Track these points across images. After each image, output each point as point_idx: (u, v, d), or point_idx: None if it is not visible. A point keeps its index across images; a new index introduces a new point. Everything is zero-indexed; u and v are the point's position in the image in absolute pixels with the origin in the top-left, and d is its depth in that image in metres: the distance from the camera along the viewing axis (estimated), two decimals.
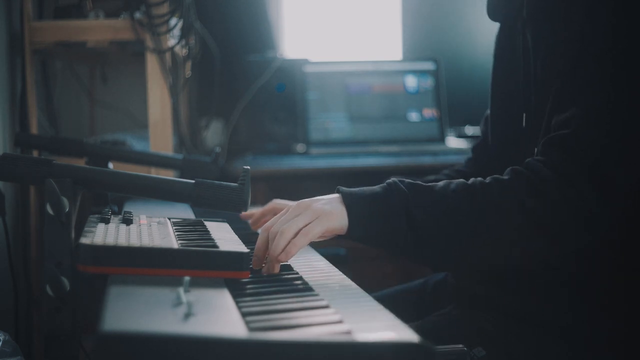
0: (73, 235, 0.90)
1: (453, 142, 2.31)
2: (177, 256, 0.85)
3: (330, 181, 2.08)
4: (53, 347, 0.88)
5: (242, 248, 0.93)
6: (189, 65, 2.05)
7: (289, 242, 0.95)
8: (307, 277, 0.95)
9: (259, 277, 0.94)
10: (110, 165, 1.48)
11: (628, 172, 0.96)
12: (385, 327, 0.72)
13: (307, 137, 2.23)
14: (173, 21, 1.74)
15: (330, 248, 1.32)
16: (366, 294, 0.87)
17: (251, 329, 0.69)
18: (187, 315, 0.67)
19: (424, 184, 1.01)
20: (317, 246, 1.16)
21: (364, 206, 0.97)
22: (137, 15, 1.72)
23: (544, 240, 0.97)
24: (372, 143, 2.22)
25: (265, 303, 0.80)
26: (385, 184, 1.00)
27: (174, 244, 0.91)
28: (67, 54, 2.10)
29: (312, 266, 1.03)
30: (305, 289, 0.88)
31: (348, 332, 0.70)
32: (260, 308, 0.77)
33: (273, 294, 0.85)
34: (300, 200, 1.00)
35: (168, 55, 1.77)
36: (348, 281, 0.95)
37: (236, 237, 1.09)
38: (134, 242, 0.88)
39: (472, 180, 1.01)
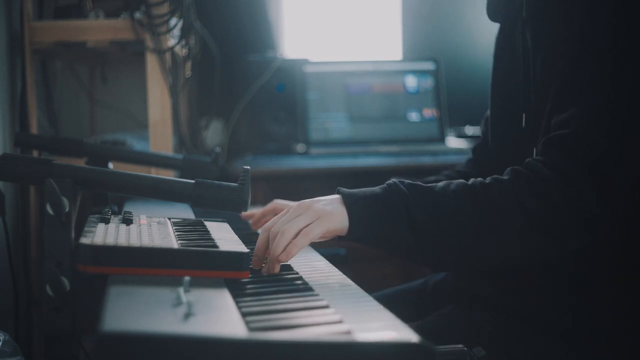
0: (73, 235, 0.90)
1: (453, 142, 2.31)
2: (177, 256, 0.85)
3: (330, 181, 2.08)
4: (53, 347, 0.88)
5: (242, 248, 0.93)
6: (189, 65, 2.05)
7: (290, 242, 0.95)
8: (307, 277, 0.95)
9: (259, 277, 0.94)
10: (110, 165, 1.48)
11: (628, 172, 0.96)
12: (385, 327, 0.72)
13: (307, 137, 2.23)
14: (173, 21, 1.74)
15: (330, 248, 1.32)
16: (366, 294, 0.87)
17: (251, 329, 0.69)
18: (187, 315, 0.67)
19: (424, 184, 1.01)
20: (317, 246, 1.16)
21: (365, 207, 0.97)
22: (137, 15, 1.72)
23: (544, 241, 0.97)
24: (372, 143, 2.22)
25: (265, 303, 0.80)
26: (385, 184, 1.00)
27: (174, 244, 0.91)
28: (67, 54, 2.10)
29: (312, 266, 1.03)
30: (305, 289, 0.88)
31: (348, 332, 0.70)
32: (260, 308, 0.77)
33: (273, 294, 0.85)
34: (301, 201, 1.00)
35: (168, 55, 1.77)
36: (348, 281, 0.95)
37: (236, 237, 1.09)
38: (134, 242, 0.88)
39: (472, 180, 1.01)
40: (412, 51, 2.56)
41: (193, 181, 1.00)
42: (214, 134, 2.41)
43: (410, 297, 1.32)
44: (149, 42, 1.73)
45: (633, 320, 1.02)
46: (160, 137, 1.76)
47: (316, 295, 0.85)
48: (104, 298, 0.72)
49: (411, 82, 2.31)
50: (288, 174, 2.09)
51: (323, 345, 0.63)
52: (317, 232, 0.96)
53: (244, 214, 1.38)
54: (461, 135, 2.40)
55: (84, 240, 0.84)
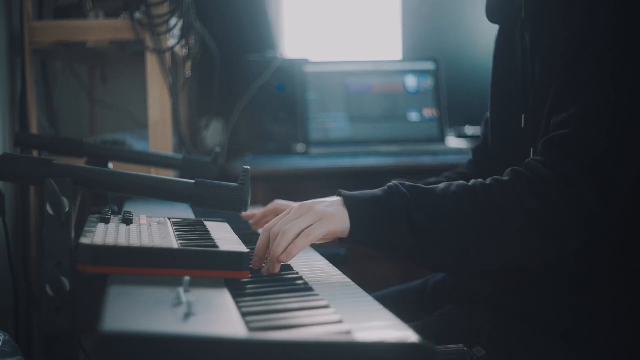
0: (73, 235, 0.90)
1: (453, 142, 2.31)
2: (177, 256, 0.85)
3: (330, 181, 2.08)
4: (53, 347, 0.88)
5: (242, 248, 0.93)
6: (189, 65, 2.05)
7: (291, 242, 0.95)
8: (307, 277, 0.95)
9: (259, 277, 0.94)
10: (110, 165, 1.48)
11: (628, 172, 0.97)
12: (385, 327, 0.72)
13: (307, 137, 2.23)
14: (173, 21, 1.74)
15: (330, 248, 1.32)
16: (366, 294, 0.87)
17: (251, 329, 0.69)
18: (187, 315, 0.67)
19: (425, 186, 1.01)
20: (317, 246, 1.16)
21: (365, 209, 0.97)
22: (137, 15, 1.72)
23: (545, 241, 0.97)
24: (372, 143, 2.22)
25: (265, 303, 0.80)
26: (386, 187, 1.00)
27: (174, 244, 0.91)
28: (67, 54, 2.10)
29: (312, 266, 1.03)
30: (305, 289, 0.88)
31: (348, 332, 0.70)
32: (260, 308, 0.77)
33: (273, 294, 0.85)
34: (303, 203, 1.00)
35: (168, 55, 1.77)
36: (348, 281, 0.95)
37: (236, 237, 1.09)
38: (134, 242, 0.88)
39: (472, 181, 1.01)
40: (412, 51, 2.56)
41: (193, 181, 1.00)
42: (214, 134, 2.41)
43: (410, 297, 1.32)
44: (149, 42, 1.73)
45: (633, 320, 1.02)
46: (160, 137, 1.76)
47: (316, 295, 0.85)
48: (104, 298, 0.72)
49: (411, 82, 2.31)
50: (288, 174, 2.09)
51: (323, 345, 0.63)
52: (318, 233, 0.96)
53: (244, 214, 1.38)
54: (461, 135, 2.40)
55: (84, 240, 0.84)
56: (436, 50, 2.43)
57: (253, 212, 1.38)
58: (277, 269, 0.96)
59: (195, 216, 1.33)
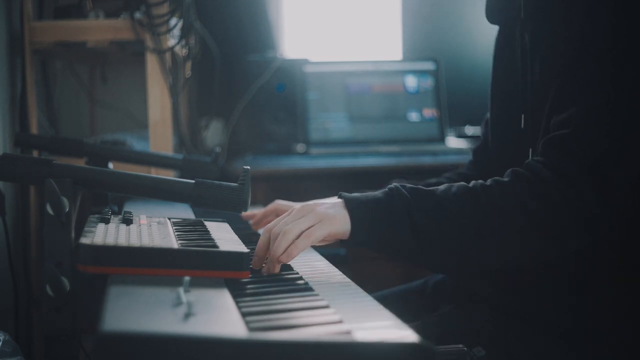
0: (73, 235, 0.90)
1: (453, 142, 2.31)
2: (177, 256, 0.85)
3: (330, 181, 2.08)
4: (53, 347, 0.88)
5: (242, 248, 0.93)
6: (189, 65, 2.05)
7: (291, 243, 0.95)
8: (307, 277, 0.95)
9: (259, 277, 0.94)
10: (110, 165, 1.48)
11: (628, 172, 0.97)
12: (385, 327, 0.72)
13: (307, 137, 2.23)
14: (173, 21, 1.74)
15: (330, 248, 1.32)
16: (366, 294, 0.87)
17: (251, 329, 0.69)
18: (187, 315, 0.67)
19: (426, 188, 1.01)
20: (317, 246, 1.16)
21: (366, 211, 0.97)
22: (137, 15, 1.72)
23: (545, 241, 0.97)
24: (372, 143, 2.22)
25: (265, 303, 0.80)
26: (387, 189, 1.00)
27: (174, 244, 0.91)
28: (67, 54, 2.10)
29: (312, 266, 1.03)
30: (305, 289, 0.88)
31: (348, 332, 0.70)
32: (260, 308, 0.77)
33: (273, 294, 0.85)
34: (304, 204, 1.00)
35: (168, 55, 1.77)
36: (348, 281, 0.95)
37: (236, 237, 1.09)
38: (134, 242, 0.88)
39: (473, 183, 1.01)
40: (412, 51, 2.56)
41: (193, 181, 1.00)
42: (214, 134, 2.41)
43: (410, 297, 1.32)
44: (149, 42, 1.73)
45: (633, 320, 1.02)
46: (160, 137, 1.76)
47: (316, 295, 0.85)
48: (104, 298, 0.72)
49: (411, 82, 2.31)
50: (288, 174, 2.09)
51: (323, 345, 0.63)
52: (319, 234, 0.96)
53: (245, 214, 1.38)
54: (461, 135, 2.40)
55: (84, 240, 0.84)
56: (436, 50, 2.43)
57: (253, 212, 1.39)
58: (277, 269, 0.96)
59: (195, 216, 1.33)
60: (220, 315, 0.70)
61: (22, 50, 1.73)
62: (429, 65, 2.32)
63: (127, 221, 1.02)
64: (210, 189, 0.99)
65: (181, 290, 0.73)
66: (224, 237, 1.04)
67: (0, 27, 1.71)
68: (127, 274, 0.82)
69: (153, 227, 1.02)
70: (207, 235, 1.05)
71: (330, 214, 0.97)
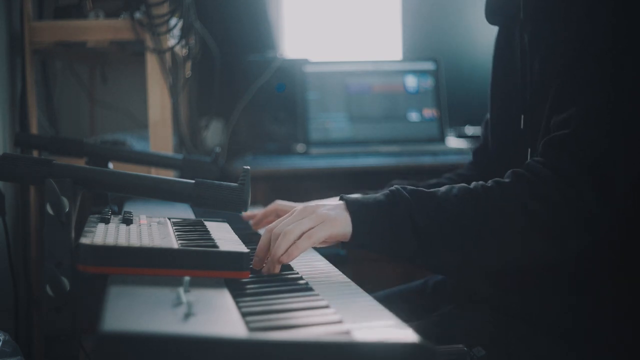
0: (73, 235, 0.90)
1: (453, 142, 2.31)
2: (177, 256, 0.85)
3: (330, 181, 2.08)
4: (53, 347, 0.88)
5: (242, 248, 0.93)
6: (189, 65, 2.05)
7: (292, 243, 0.95)
8: (307, 277, 0.95)
9: (259, 277, 0.94)
10: (110, 165, 1.48)
11: (628, 172, 0.97)
12: (386, 327, 0.72)
13: (307, 137, 2.23)
14: (173, 21, 1.74)
15: (330, 248, 1.32)
16: (366, 294, 0.87)
17: (251, 329, 0.69)
18: (187, 315, 0.67)
19: (427, 190, 1.01)
20: (317, 247, 1.16)
21: (368, 214, 0.97)
22: (137, 15, 1.72)
23: (546, 242, 0.97)
24: (372, 143, 2.22)
25: (265, 303, 0.80)
26: (388, 191, 1.00)
27: (174, 244, 0.91)
28: (67, 54, 2.10)
29: (312, 266, 1.03)
30: (305, 289, 0.88)
31: (348, 332, 0.70)
32: (260, 308, 0.77)
33: (273, 294, 0.85)
34: (305, 205, 1.00)
35: (168, 55, 1.77)
36: (348, 281, 0.95)
37: (236, 237, 1.09)
38: (134, 242, 0.88)
39: (474, 184, 1.01)
40: (412, 51, 2.56)
41: (193, 181, 1.00)
42: (214, 134, 2.41)
43: (410, 297, 1.32)
44: (149, 42, 1.73)
45: (633, 320, 1.02)
46: (160, 137, 1.76)
47: (316, 295, 0.85)
48: (104, 298, 0.72)
49: (411, 82, 2.31)
50: (288, 174, 2.09)
51: (323, 345, 0.63)
52: (320, 235, 0.96)
53: (245, 214, 1.38)
54: (461, 135, 2.40)
55: (84, 240, 0.84)
56: (436, 50, 2.43)
57: (253, 212, 1.39)
58: (278, 270, 0.96)
59: (195, 216, 1.33)
60: (220, 315, 0.70)
61: (22, 50, 1.73)
62: (429, 65, 2.32)
63: (127, 221, 1.02)
64: (210, 189, 0.99)
65: (181, 290, 0.73)
66: (224, 237, 1.04)
67: (0, 27, 1.71)
68: (127, 274, 0.82)
69: (153, 227, 1.02)
70: (207, 235, 1.05)
71: (332, 215, 0.97)
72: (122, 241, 0.88)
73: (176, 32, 1.80)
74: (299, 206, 1.03)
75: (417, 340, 0.64)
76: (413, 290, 1.35)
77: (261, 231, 1.36)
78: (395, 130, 2.27)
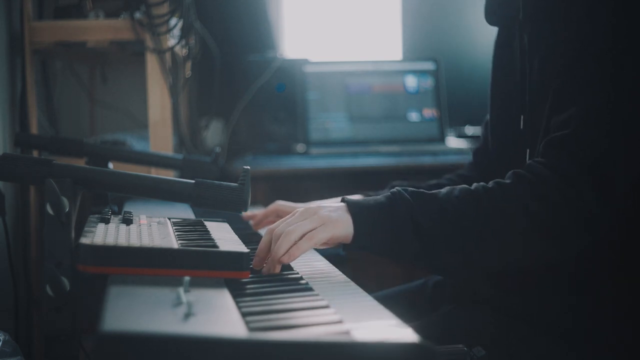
0: (73, 235, 0.90)
1: (453, 142, 2.31)
2: (177, 256, 0.85)
3: (330, 181, 2.08)
4: (53, 347, 0.88)
5: (242, 248, 0.93)
6: (189, 65, 2.05)
7: (293, 244, 0.95)
8: (307, 277, 0.95)
9: (259, 277, 0.94)
10: (110, 165, 1.48)
11: (628, 172, 0.97)
12: (386, 327, 0.72)
13: (307, 137, 2.23)
14: (173, 21, 1.74)
15: (330, 248, 1.32)
16: (366, 294, 0.87)
17: (251, 329, 0.69)
18: (187, 315, 0.67)
19: (428, 191, 1.01)
20: (317, 248, 1.16)
21: (369, 216, 0.97)
22: (137, 15, 1.72)
23: (546, 243, 0.97)
24: (372, 143, 2.22)
25: (265, 303, 0.80)
26: (389, 193, 1.00)
27: (174, 244, 0.91)
28: (67, 54, 2.10)
29: (312, 266, 1.03)
30: (305, 289, 0.88)
31: (348, 332, 0.70)
32: (260, 308, 0.77)
33: (273, 294, 0.85)
34: (307, 207, 1.00)
35: (168, 55, 1.77)
36: (348, 281, 0.95)
37: (236, 237, 1.09)
38: (134, 242, 0.88)
39: (475, 185, 1.01)
40: (412, 51, 2.56)
41: (193, 181, 1.00)
42: (214, 134, 2.41)
43: (410, 297, 1.33)
44: (149, 42, 1.73)
45: (633, 320, 1.02)
46: (160, 137, 1.76)
47: (316, 295, 0.85)
48: (104, 298, 0.72)
49: (411, 82, 2.31)
50: (288, 174, 2.09)
51: (323, 345, 0.63)
52: (321, 237, 0.96)
53: (245, 214, 1.38)
54: (461, 135, 2.40)
55: (84, 240, 0.84)
56: (436, 50, 2.43)
57: (254, 212, 1.39)
58: (278, 270, 0.96)
59: (195, 216, 1.33)
60: (220, 315, 0.70)
61: (22, 50, 1.73)
62: (429, 65, 2.32)
63: (127, 221, 1.02)
64: (210, 189, 0.99)
65: (181, 290, 0.73)
66: (224, 237, 1.04)
67: (0, 27, 1.71)
68: (127, 274, 0.82)
69: (153, 227, 1.02)
70: (207, 235, 1.05)
71: (334, 217, 0.97)
72: (122, 241, 0.88)
73: (176, 32, 1.80)
74: (300, 207, 1.03)
75: (417, 340, 0.64)
76: (413, 290, 1.35)
77: (262, 231, 1.36)
78: (395, 130, 2.27)
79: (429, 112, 2.30)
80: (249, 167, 1.02)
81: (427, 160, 2.11)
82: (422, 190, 1.01)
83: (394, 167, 2.07)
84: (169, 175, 1.67)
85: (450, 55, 2.45)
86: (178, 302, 0.71)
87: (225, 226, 1.19)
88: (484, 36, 1.57)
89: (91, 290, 0.86)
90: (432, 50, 2.44)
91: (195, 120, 2.33)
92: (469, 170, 1.40)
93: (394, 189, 1.00)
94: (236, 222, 1.31)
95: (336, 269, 1.02)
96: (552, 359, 1.03)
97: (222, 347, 0.61)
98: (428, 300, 1.29)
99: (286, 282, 0.92)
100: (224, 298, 0.77)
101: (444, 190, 1.01)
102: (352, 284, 0.93)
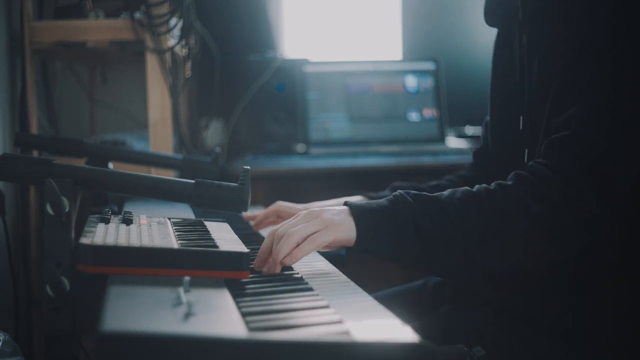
0: (73, 235, 0.90)
1: (453, 142, 2.31)
2: (177, 256, 0.85)
3: (330, 181, 2.08)
4: (53, 347, 0.88)
5: (242, 248, 0.93)
6: (189, 65, 2.05)
7: (296, 246, 0.95)
8: (307, 277, 0.95)
9: (259, 277, 0.94)
10: (110, 165, 1.48)
11: (628, 172, 0.97)
12: (386, 327, 0.72)
13: (307, 137, 2.23)
14: (173, 21, 1.74)
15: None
16: (366, 294, 0.87)
17: (251, 329, 0.69)
18: (187, 315, 0.67)
19: (430, 194, 1.01)
20: (319, 251, 1.16)
21: (371, 219, 0.97)
22: (137, 15, 1.72)
23: (547, 243, 0.97)
24: (372, 143, 2.22)
25: (265, 303, 0.80)
26: (391, 196, 1.00)
27: (174, 244, 0.91)
28: (67, 54, 2.10)
29: (312, 266, 1.03)
30: (305, 289, 0.88)
31: (348, 332, 0.70)
32: (260, 308, 0.77)
33: (273, 293, 0.85)
34: (310, 209, 1.00)
35: (168, 55, 1.77)
36: (348, 281, 0.95)
37: (236, 237, 1.09)
38: (134, 242, 0.88)
39: (476, 187, 1.01)
40: (412, 51, 2.56)
41: (193, 181, 1.00)
42: (214, 134, 2.41)
43: (410, 297, 1.32)
44: (149, 42, 1.73)
45: (633, 320, 1.02)
46: (160, 137, 1.76)
47: (316, 295, 0.85)
48: (104, 298, 0.72)
49: (411, 82, 2.31)
50: (288, 174, 2.09)
51: (323, 345, 0.63)
52: (324, 240, 0.96)
53: (246, 215, 1.38)
54: (461, 135, 2.40)
55: (84, 240, 0.84)
56: (436, 50, 2.43)
57: (254, 213, 1.39)
58: (278, 270, 0.96)
59: (195, 216, 1.33)
60: (220, 315, 0.70)
61: (22, 50, 1.73)
62: (429, 65, 2.32)
63: (127, 221, 1.02)
64: (210, 189, 0.99)
65: (181, 290, 0.73)
66: (224, 237, 1.04)
67: (0, 27, 1.71)
68: (127, 274, 0.82)
69: (153, 227, 1.02)
70: (207, 235, 1.05)
71: (336, 220, 0.97)
72: (122, 241, 0.88)
73: (176, 32, 1.80)
74: (301, 208, 1.03)
75: (417, 340, 0.64)
76: (413, 290, 1.35)
77: (262, 232, 1.36)
78: (395, 130, 2.27)
79: (429, 112, 2.30)
80: (249, 167, 1.02)
81: (427, 160, 2.11)
82: (424, 193, 1.01)
83: (394, 167, 2.07)
84: (169, 175, 1.67)
85: (450, 55, 2.45)
86: (178, 302, 0.71)
87: (225, 226, 1.19)
88: (484, 36, 1.56)
89: (91, 290, 0.86)
90: (432, 50, 2.44)
91: (195, 120, 2.33)
92: (469, 171, 1.40)
93: (397, 192, 1.00)
94: (236, 222, 1.31)
95: (336, 269, 1.02)
96: (552, 359, 1.03)
97: (222, 347, 0.61)
98: (428, 301, 1.29)
99: (286, 282, 0.92)
100: (224, 298, 0.77)
101: (446, 192, 1.01)
102: (352, 284, 0.93)
